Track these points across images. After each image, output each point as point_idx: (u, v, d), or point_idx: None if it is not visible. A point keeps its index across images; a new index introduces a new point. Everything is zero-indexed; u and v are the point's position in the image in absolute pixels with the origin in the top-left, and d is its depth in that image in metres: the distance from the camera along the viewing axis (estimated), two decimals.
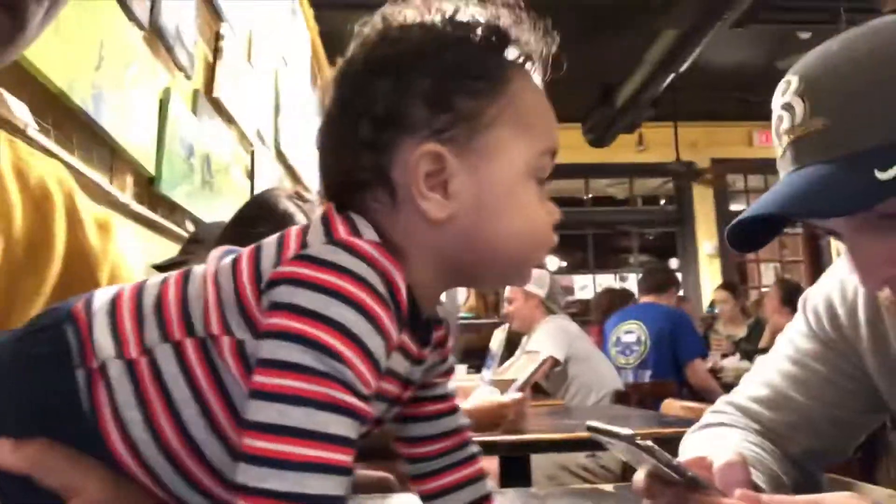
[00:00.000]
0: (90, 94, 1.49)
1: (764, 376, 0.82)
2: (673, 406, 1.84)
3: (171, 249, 1.97)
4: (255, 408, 0.39)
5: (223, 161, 2.44)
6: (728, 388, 3.64)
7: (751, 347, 3.87)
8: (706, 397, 2.89)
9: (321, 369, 0.39)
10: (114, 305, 0.47)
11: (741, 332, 4.13)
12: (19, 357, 0.46)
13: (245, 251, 0.46)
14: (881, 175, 0.57)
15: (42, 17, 0.57)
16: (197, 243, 1.87)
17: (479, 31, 0.48)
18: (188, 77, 2.12)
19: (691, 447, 0.77)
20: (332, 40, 4.29)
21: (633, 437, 0.56)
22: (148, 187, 1.86)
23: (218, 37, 2.48)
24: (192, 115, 2.11)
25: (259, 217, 1.46)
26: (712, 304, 4.80)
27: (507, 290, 2.88)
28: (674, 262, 6.71)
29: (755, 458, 0.73)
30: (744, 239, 0.69)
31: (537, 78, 0.50)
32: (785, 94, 0.64)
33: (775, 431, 0.79)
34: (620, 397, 2.51)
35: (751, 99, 5.75)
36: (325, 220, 0.45)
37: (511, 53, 0.48)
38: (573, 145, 5.40)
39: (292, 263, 0.42)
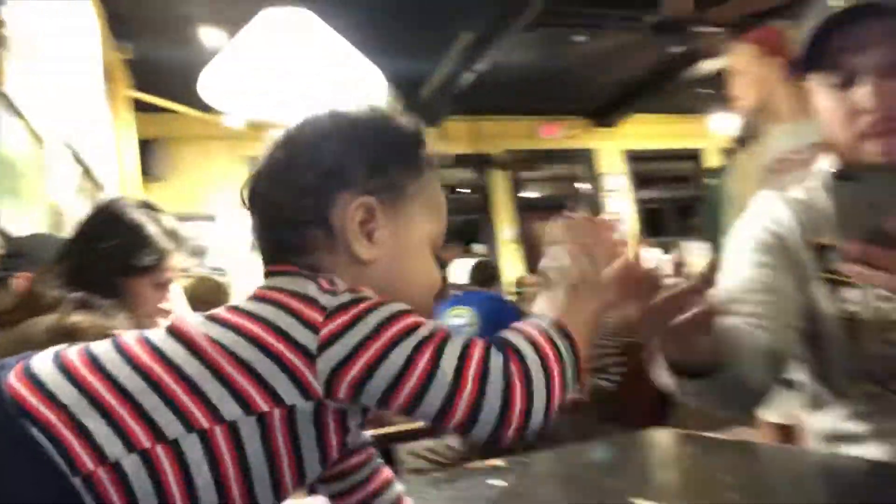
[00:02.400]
0: None
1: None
2: None
3: None
4: (381, 376, 0.49)
5: (24, 164, 2.18)
6: None
7: None
8: None
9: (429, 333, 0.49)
10: (91, 396, 0.45)
11: None
12: None
13: (245, 325, 0.49)
14: None
15: None
16: (17, 258, 1.69)
17: (407, 128, 0.61)
18: None
19: None
20: (120, 24, 3.95)
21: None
22: None
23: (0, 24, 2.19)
24: None
25: (109, 230, 1.38)
26: (520, 286, 5.23)
27: None
28: (479, 248, 7.16)
29: None
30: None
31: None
32: None
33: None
34: None
35: (535, 95, 6.34)
36: (316, 282, 0.52)
37: (426, 151, 0.62)
38: None
39: (334, 319, 0.49)
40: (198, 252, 5.49)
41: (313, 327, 0.48)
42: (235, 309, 0.52)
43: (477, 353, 0.48)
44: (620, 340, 3.92)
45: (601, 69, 5.60)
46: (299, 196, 0.55)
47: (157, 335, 0.50)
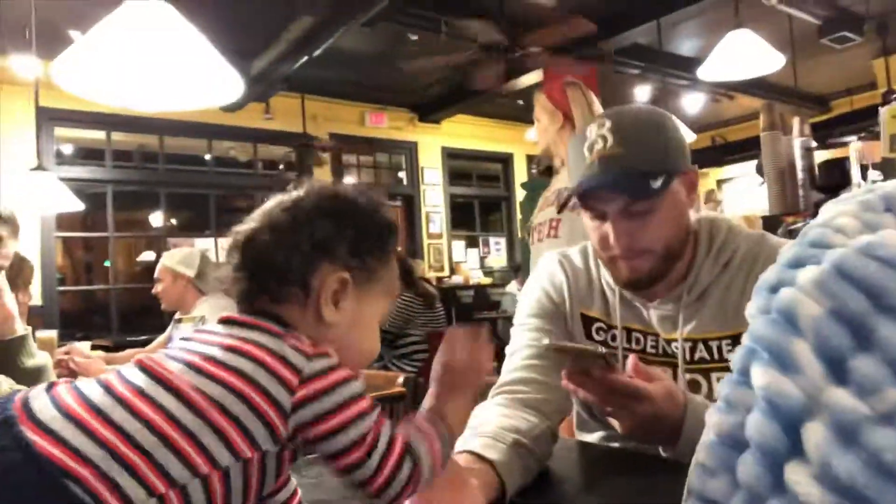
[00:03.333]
0: None
1: (514, 364, 1.13)
2: None
3: None
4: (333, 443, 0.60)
5: None
6: None
7: None
8: None
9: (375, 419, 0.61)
10: (112, 452, 0.52)
11: None
12: None
13: (230, 380, 0.58)
14: (653, 184, 1.01)
15: None
16: None
17: (386, 219, 0.72)
18: None
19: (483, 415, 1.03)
20: None
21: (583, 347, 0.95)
22: None
23: None
24: None
25: None
26: None
27: (157, 270, 2.77)
28: None
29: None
30: None
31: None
32: (601, 128, 1.04)
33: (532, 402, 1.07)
34: None
35: (367, 84, 6.39)
36: (287, 343, 0.61)
37: (394, 243, 0.73)
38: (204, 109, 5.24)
39: (308, 385, 0.59)
40: None
41: (289, 389, 0.58)
42: (214, 360, 0.59)
43: (399, 442, 0.63)
44: (425, 332, 4.19)
45: (431, 68, 5.80)
46: (291, 255, 0.65)
47: (140, 379, 0.57)
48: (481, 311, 6.95)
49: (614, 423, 0.97)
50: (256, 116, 6.04)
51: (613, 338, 1.15)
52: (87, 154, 6.12)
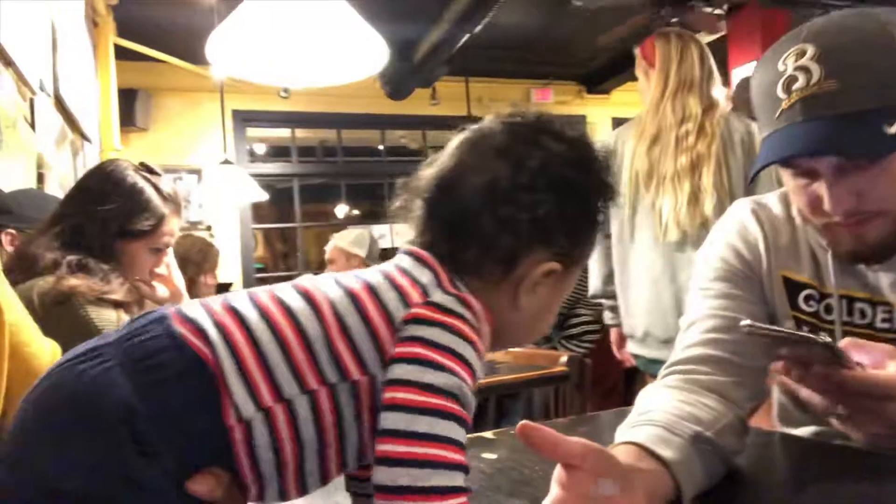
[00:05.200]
0: None
1: (694, 338, 0.91)
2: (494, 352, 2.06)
3: None
4: (391, 418, 0.48)
5: (9, 115, 2.12)
6: None
7: None
8: None
9: (450, 390, 0.49)
10: (236, 356, 0.50)
11: None
12: (155, 389, 0.49)
13: (357, 291, 0.54)
14: (888, 130, 0.74)
15: None
16: (4, 214, 1.66)
17: (606, 182, 0.60)
18: None
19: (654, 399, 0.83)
20: None
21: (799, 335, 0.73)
22: None
23: None
24: None
25: (107, 193, 1.35)
26: None
27: (328, 251, 2.92)
28: None
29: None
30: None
31: None
32: (800, 58, 0.78)
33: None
34: None
35: (530, 59, 6.26)
36: (434, 273, 0.55)
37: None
38: (371, 96, 5.47)
39: (425, 308, 0.53)
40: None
41: (406, 304, 0.53)
42: (355, 275, 0.56)
43: (459, 456, 0.50)
44: (595, 309, 3.98)
45: (596, 36, 5.53)
46: (502, 230, 0.55)
47: (287, 293, 0.55)
48: None
49: (841, 425, 0.76)
50: (423, 103, 6.17)
51: (828, 309, 0.91)
52: (276, 152, 6.67)
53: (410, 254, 0.58)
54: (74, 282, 1.23)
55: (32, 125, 2.53)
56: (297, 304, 0.53)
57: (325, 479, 0.54)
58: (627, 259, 2.17)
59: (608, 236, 2.23)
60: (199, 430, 0.49)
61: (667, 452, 0.69)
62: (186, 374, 0.49)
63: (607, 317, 2.42)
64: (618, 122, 7.43)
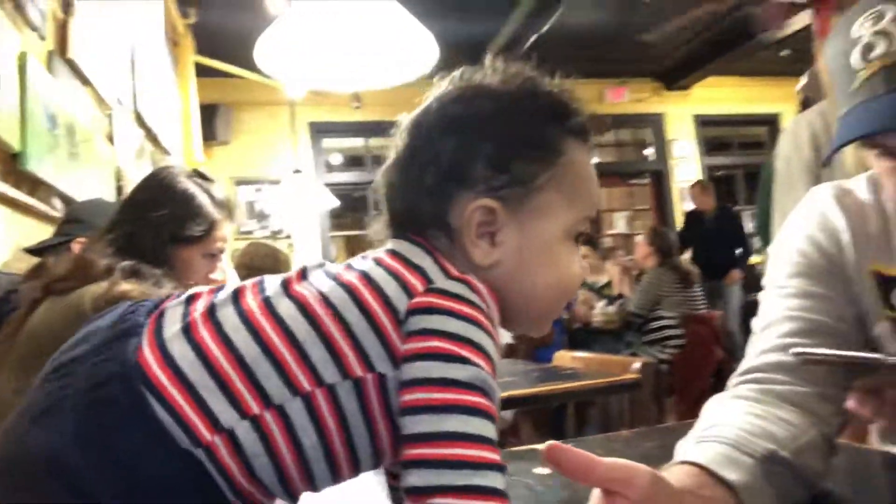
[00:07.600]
0: None
1: (771, 342, 0.79)
2: (565, 357, 1.98)
3: (38, 230, 1.80)
4: (416, 421, 0.44)
5: (86, 129, 2.23)
6: (599, 332, 3.90)
7: (613, 293, 4.22)
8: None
9: (474, 383, 0.44)
10: (211, 367, 0.46)
11: (602, 279, 4.46)
12: (110, 439, 0.44)
13: (353, 282, 0.49)
14: None
15: None
16: (75, 223, 1.73)
17: (545, 102, 0.54)
18: (42, 37, 1.90)
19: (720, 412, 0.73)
20: None
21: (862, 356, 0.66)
22: (9, 164, 1.67)
23: None
24: (51, 81, 1.91)
25: (159, 199, 1.37)
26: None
27: None
28: None
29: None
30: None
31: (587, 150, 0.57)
32: (879, 22, 0.67)
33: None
34: (509, 350, 2.64)
35: (606, 57, 6.10)
36: (434, 257, 0.51)
37: (569, 125, 0.54)
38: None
39: (430, 295, 0.47)
40: (260, 217, 5.60)
41: (410, 294, 0.48)
42: (348, 265, 0.52)
43: (493, 455, 0.45)
44: (680, 313, 3.79)
45: (673, 30, 5.32)
46: (419, 195, 0.53)
47: (275, 293, 0.50)
48: (752, 292, 6.20)
49: None
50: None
51: None
52: (351, 161, 6.78)
53: (404, 238, 0.53)
54: (126, 287, 1.24)
55: (111, 140, 2.65)
56: (282, 303, 0.49)
57: (336, 482, 0.50)
58: None
59: None
60: (154, 469, 0.44)
61: (733, 475, 0.59)
62: (139, 406, 0.45)
63: None
64: (699, 120, 7.14)
